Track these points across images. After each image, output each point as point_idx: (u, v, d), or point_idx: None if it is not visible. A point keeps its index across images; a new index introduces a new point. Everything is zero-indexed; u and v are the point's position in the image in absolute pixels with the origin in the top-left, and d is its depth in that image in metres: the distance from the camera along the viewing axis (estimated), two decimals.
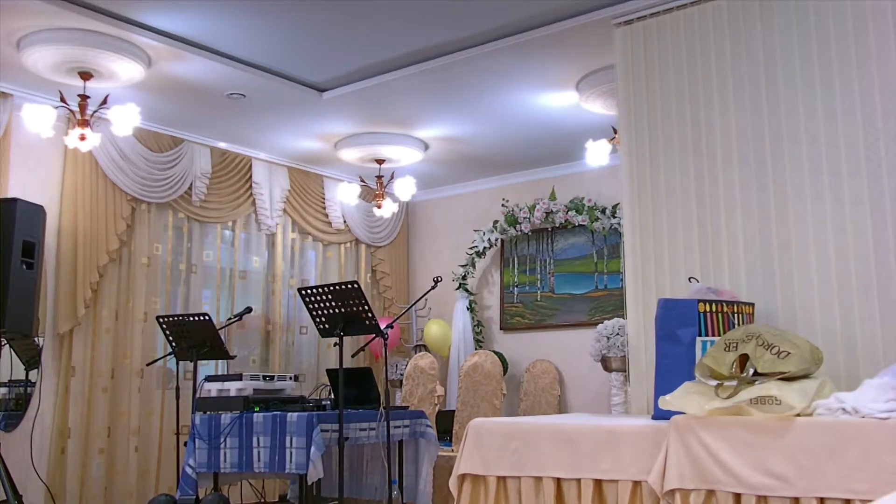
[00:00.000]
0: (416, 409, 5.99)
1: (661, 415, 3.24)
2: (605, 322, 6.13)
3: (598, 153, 6.08)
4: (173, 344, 5.32)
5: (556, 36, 4.92)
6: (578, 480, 3.31)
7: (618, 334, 5.93)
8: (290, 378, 6.07)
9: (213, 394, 5.74)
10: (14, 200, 5.05)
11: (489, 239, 7.72)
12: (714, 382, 3.08)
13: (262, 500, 6.00)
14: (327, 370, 5.69)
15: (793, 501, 2.79)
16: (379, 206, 7.19)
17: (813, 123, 3.87)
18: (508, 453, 3.50)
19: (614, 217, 6.91)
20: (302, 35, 5.08)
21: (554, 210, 7.31)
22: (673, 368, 3.44)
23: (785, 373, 2.96)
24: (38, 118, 5.12)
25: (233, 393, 5.62)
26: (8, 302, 4.87)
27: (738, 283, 4.00)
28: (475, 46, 5.16)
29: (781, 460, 2.82)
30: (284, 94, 5.85)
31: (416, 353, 7.53)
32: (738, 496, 2.90)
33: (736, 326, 3.47)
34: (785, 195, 3.92)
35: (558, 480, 3.37)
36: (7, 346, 5.43)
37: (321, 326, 4.64)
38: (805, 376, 3.06)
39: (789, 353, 2.97)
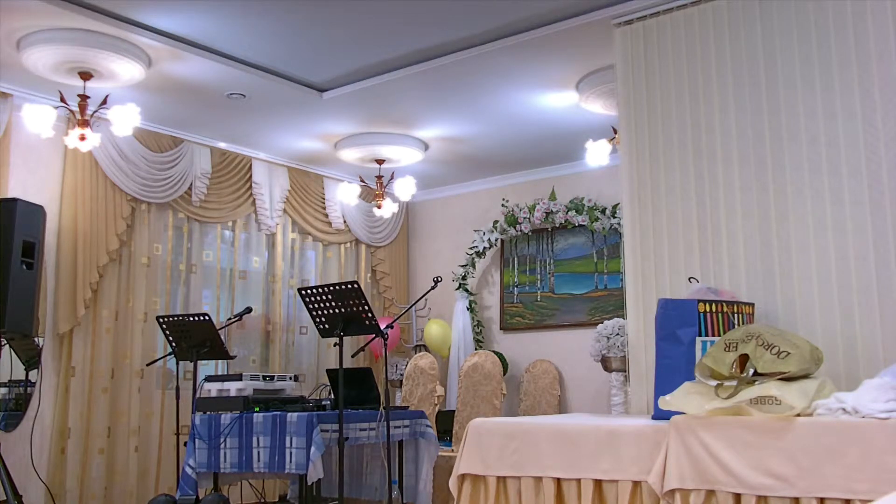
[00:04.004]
0: (416, 409, 5.99)
1: (661, 415, 3.24)
2: (605, 322, 6.13)
3: (598, 153, 6.08)
4: (173, 344, 5.31)
5: (556, 36, 4.92)
6: (578, 480, 3.31)
7: (618, 334, 5.92)
8: (290, 378, 6.07)
9: (213, 394, 5.75)
10: (14, 200, 5.05)
11: (489, 239, 7.72)
12: (714, 382, 3.08)
13: (262, 500, 6.00)
14: (327, 370, 5.69)
15: (793, 501, 2.79)
16: (379, 206, 7.19)
17: (813, 123, 3.87)
18: (508, 453, 3.50)
19: (614, 217, 6.90)
20: (302, 35, 5.08)
21: (554, 210, 7.31)
22: (673, 368, 3.44)
23: (785, 373, 2.96)
24: (38, 118, 5.12)
25: (233, 393, 5.62)
26: (8, 302, 4.87)
27: (738, 283, 4.00)
28: (475, 46, 5.16)
29: (781, 460, 2.82)
30: (284, 94, 5.85)
31: (416, 353, 7.53)
32: (738, 496, 2.90)
33: (736, 326, 3.47)
34: (785, 195, 3.92)
35: (558, 480, 3.37)
36: (7, 346, 5.43)
37: (321, 326, 4.64)
38: (805, 376, 3.06)
39: (789, 353, 2.97)
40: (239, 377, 5.74)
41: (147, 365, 6.02)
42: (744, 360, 3.05)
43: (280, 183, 7.26)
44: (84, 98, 5.23)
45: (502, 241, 7.81)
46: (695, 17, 4.30)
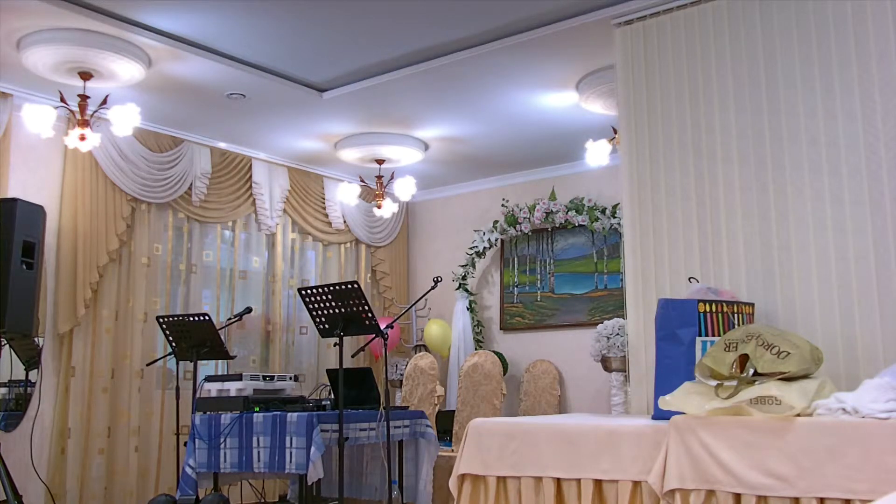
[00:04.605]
0: (416, 409, 5.99)
1: (661, 415, 3.24)
2: (605, 322, 6.13)
3: (598, 153, 6.08)
4: (173, 344, 5.31)
5: (556, 36, 4.92)
6: (578, 480, 3.31)
7: (618, 334, 5.92)
8: (290, 378, 6.07)
9: (213, 394, 5.75)
10: (14, 200, 5.05)
11: (489, 239, 7.72)
12: (714, 382, 3.08)
13: (262, 500, 6.00)
14: (327, 370, 5.69)
15: (793, 501, 2.79)
16: (379, 206, 7.19)
17: (813, 123, 3.87)
18: (508, 453, 3.50)
19: (614, 217, 6.91)
20: (302, 35, 5.08)
21: (554, 210, 7.31)
22: (673, 368, 3.44)
23: (785, 373, 2.96)
24: (38, 118, 5.12)
25: (233, 393, 5.62)
26: (8, 302, 4.87)
27: (738, 283, 4.00)
28: (475, 46, 5.16)
29: (781, 460, 2.82)
30: (284, 94, 5.85)
31: (416, 353, 7.53)
32: (738, 496, 2.90)
33: (736, 326, 3.47)
34: (785, 195, 3.92)
35: (558, 480, 3.37)
36: (7, 346, 5.43)
37: (321, 326, 4.64)
38: (805, 376, 3.06)
39: (789, 353, 2.97)
40: (239, 377, 5.74)
41: (147, 365, 6.02)
42: (744, 360, 3.05)
43: (280, 183, 7.26)
44: (84, 98, 5.23)
45: (502, 241, 7.81)
46: (695, 17, 4.30)
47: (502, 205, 7.67)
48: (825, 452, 2.74)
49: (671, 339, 3.50)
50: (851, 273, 3.69)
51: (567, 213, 7.23)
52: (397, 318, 5.53)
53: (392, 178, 7.21)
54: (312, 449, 4.43)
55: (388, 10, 4.73)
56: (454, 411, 6.79)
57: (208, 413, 4.95)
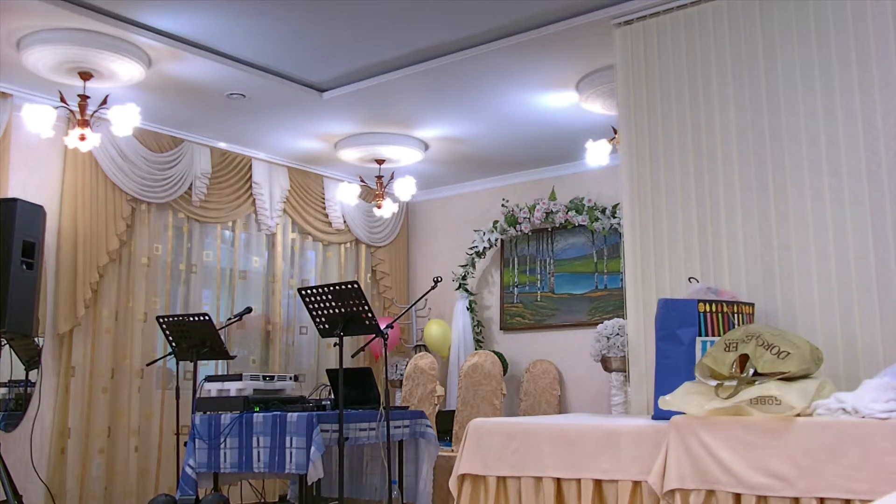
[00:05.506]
0: (416, 409, 5.99)
1: (661, 415, 3.25)
2: (605, 322, 6.12)
3: (598, 153, 6.08)
4: (173, 344, 5.32)
5: (556, 36, 4.92)
6: (578, 480, 3.32)
7: (618, 334, 5.92)
8: (290, 378, 6.07)
9: (213, 394, 5.74)
10: (14, 200, 5.05)
11: (489, 239, 7.72)
12: (714, 382, 3.09)
13: (262, 500, 6.00)
14: (327, 370, 5.69)
15: (793, 501, 2.79)
16: (379, 206, 7.19)
17: (813, 123, 3.87)
18: (508, 453, 3.50)
19: (614, 217, 6.91)
20: (302, 35, 5.08)
21: (554, 210, 7.31)
22: (673, 368, 3.44)
23: (785, 373, 2.96)
24: (38, 118, 5.12)
25: (233, 393, 5.62)
26: (8, 302, 4.87)
27: (738, 283, 4.00)
28: (475, 46, 5.16)
29: (781, 460, 2.82)
30: (284, 94, 5.85)
31: (416, 353, 7.53)
32: (738, 496, 2.90)
33: (736, 326, 3.47)
34: (785, 195, 3.92)
35: (558, 480, 3.37)
36: (7, 346, 5.43)
37: (321, 326, 4.64)
38: (805, 376, 3.06)
39: (789, 353, 2.97)
40: (239, 377, 5.74)
41: (147, 365, 6.02)
42: (744, 360, 3.05)
43: (280, 183, 7.26)
44: (84, 98, 5.23)
45: (502, 241, 7.81)
46: (695, 17, 4.30)
47: (502, 205, 7.67)
48: (825, 452, 2.75)
49: (671, 339, 3.50)
50: (851, 273, 3.69)
51: (567, 213, 7.23)
52: (397, 318, 5.53)
53: (392, 178, 7.21)
54: (312, 449, 4.43)
55: (388, 10, 4.73)
56: (454, 411, 6.78)
57: (208, 413, 4.95)
